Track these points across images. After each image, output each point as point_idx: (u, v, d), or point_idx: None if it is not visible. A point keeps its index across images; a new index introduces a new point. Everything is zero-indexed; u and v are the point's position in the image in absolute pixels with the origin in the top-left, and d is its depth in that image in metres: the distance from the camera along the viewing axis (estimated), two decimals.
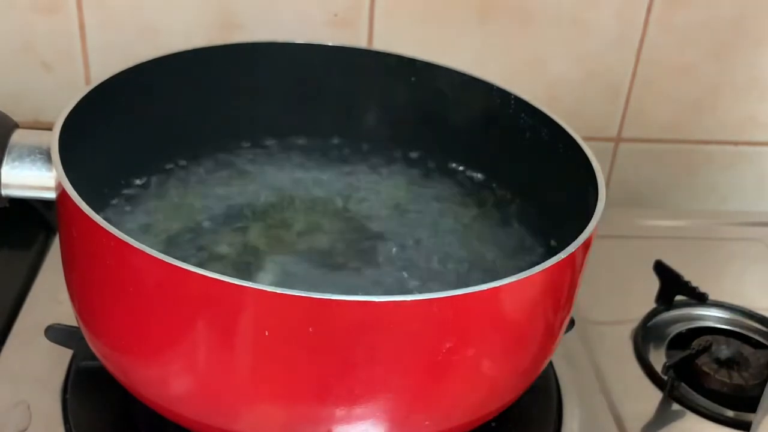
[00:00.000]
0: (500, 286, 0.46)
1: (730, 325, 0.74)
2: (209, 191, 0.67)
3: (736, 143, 0.92)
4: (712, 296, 0.74)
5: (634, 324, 0.72)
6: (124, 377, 0.53)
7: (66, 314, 0.59)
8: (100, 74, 0.60)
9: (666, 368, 0.66)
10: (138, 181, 0.66)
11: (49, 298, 0.67)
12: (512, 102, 0.65)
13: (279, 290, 0.43)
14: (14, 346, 0.64)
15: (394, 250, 0.63)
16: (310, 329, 0.44)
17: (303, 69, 0.69)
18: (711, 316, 0.75)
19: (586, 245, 0.51)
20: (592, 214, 0.52)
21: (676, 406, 0.65)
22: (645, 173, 0.93)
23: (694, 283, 0.74)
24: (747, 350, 0.69)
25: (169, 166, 0.68)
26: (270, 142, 0.72)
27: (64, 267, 0.55)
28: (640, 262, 0.77)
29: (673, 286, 0.74)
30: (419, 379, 0.48)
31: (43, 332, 0.61)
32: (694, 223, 0.89)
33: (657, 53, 0.86)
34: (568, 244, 0.49)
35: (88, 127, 0.56)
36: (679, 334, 0.72)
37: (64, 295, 0.56)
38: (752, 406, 0.58)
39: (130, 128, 0.62)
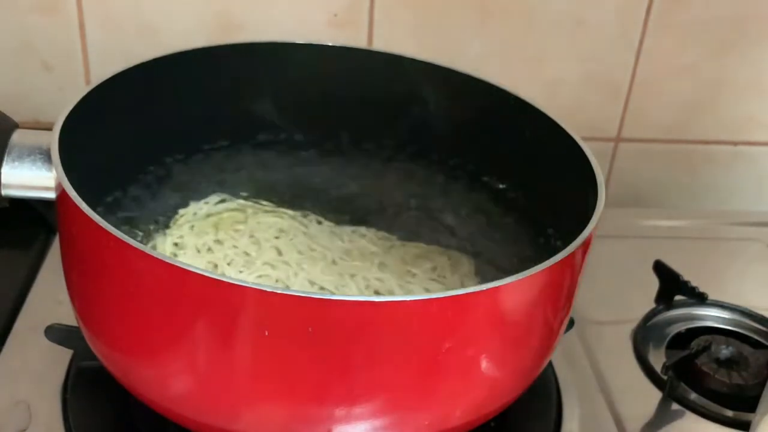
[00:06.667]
0: (500, 286, 0.46)
1: (730, 325, 0.74)
2: (208, 190, 0.67)
3: (735, 143, 0.92)
4: (712, 296, 0.74)
5: (634, 324, 0.72)
6: (124, 377, 0.53)
7: (66, 314, 0.59)
8: (100, 74, 0.60)
9: (665, 368, 0.66)
10: (138, 181, 0.66)
11: (49, 298, 0.67)
12: (512, 102, 0.65)
13: (279, 290, 0.43)
14: (14, 346, 0.64)
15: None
16: (310, 329, 0.44)
17: (303, 69, 0.69)
18: (710, 316, 0.74)
19: (586, 245, 0.51)
20: (592, 214, 0.52)
21: (675, 406, 0.65)
22: (645, 173, 0.93)
23: (693, 283, 0.74)
24: (746, 350, 0.69)
25: (169, 165, 0.68)
26: (269, 141, 0.72)
27: (64, 267, 0.55)
28: (640, 262, 0.77)
29: (672, 286, 0.74)
30: (419, 379, 0.48)
31: (43, 332, 0.61)
32: (693, 223, 0.89)
33: (657, 53, 0.86)
34: (568, 244, 0.49)
35: (88, 127, 0.56)
36: (679, 334, 0.72)
37: (64, 295, 0.56)
38: (752, 406, 0.58)
39: (130, 128, 0.62)
